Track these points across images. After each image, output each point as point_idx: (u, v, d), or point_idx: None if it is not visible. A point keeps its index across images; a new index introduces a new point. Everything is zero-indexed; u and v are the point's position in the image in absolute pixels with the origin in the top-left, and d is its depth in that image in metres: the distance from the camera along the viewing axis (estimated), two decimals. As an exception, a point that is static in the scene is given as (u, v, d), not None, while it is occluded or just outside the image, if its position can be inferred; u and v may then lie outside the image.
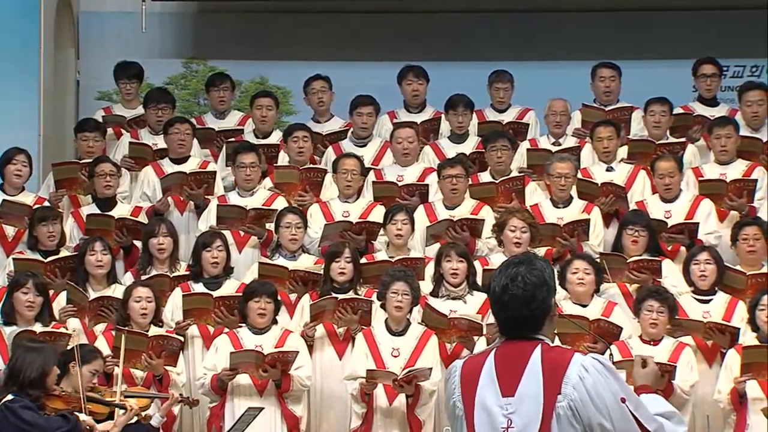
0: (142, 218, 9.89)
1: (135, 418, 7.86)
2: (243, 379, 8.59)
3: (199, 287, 9.20)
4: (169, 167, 10.30)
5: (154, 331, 8.75)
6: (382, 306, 8.78)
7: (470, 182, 10.00)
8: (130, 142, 10.69)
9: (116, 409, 7.69)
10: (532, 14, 12.23)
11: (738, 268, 9.24)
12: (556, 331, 8.25)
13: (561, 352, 4.42)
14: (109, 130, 10.93)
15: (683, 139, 10.54)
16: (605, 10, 12.20)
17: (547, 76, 11.67)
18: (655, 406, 4.47)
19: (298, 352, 8.57)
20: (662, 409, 4.47)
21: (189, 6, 12.51)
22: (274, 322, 8.78)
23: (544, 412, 4.28)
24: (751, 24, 11.98)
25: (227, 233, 9.55)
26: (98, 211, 9.89)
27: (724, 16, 12.07)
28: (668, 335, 8.68)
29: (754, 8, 11.87)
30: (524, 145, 10.53)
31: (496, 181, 10.02)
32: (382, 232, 9.61)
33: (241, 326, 8.83)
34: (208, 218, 9.84)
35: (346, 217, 9.79)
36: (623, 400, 4.30)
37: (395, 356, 8.62)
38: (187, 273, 9.33)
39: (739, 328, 8.69)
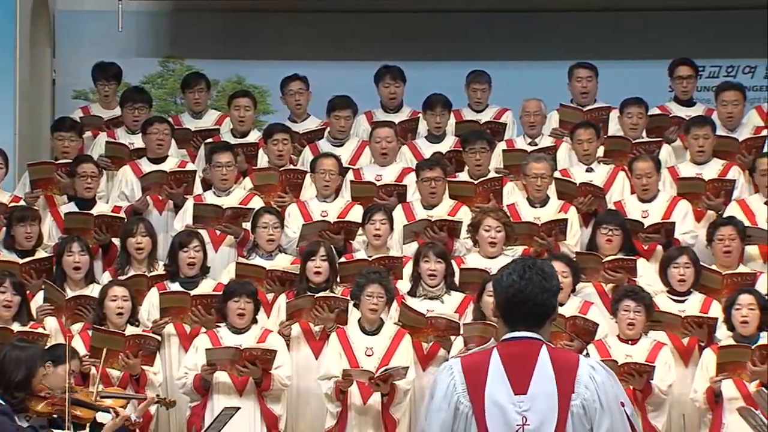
0: (122, 215, 9.86)
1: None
2: (223, 377, 8.58)
3: (175, 287, 9.19)
4: (147, 167, 10.27)
5: (130, 330, 8.74)
6: (356, 306, 8.79)
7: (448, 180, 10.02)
8: (107, 142, 10.66)
9: (102, 412, 7.66)
10: (509, 14, 12.25)
11: (714, 267, 9.27)
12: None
13: (566, 352, 4.62)
14: (87, 131, 10.91)
15: (659, 139, 10.58)
16: (582, 11, 12.23)
17: (526, 76, 11.70)
18: None
19: (276, 351, 8.56)
20: None
21: (165, 5, 12.49)
22: (254, 321, 8.78)
23: (560, 410, 4.35)
24: (727, 24, 12.05)
25: (204, 232, 9.54)
26: (77, 210, 9.86)
27: (700, 16, 12.12)
28: (644, 331, 8.72)
29: (729, 9, 11.94)
30: (501, 146, 10.55)
31: (475, 182, 10.04)
32: (360, 231, 9.62)
33: (219, 326, 8.82)
34: (184, 217, 9.83)
35: (324, 216, 9.79)
36: (622, 404, 4.42)
37: (369, 355, 8.64)
38: (164, 273, 9.30)
39: (717, 319, 8.74)
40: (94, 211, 9.82)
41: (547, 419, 4.34)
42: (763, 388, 7.98)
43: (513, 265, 4.49)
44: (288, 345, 8.88)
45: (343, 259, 9.43)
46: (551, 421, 4.34)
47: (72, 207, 9.92)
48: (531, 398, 4.36)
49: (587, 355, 8.20)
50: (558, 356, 4.41)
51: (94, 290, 9.08)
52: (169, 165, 10.29)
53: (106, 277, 9.36)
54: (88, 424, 7.54)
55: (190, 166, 10.33)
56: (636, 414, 4.49)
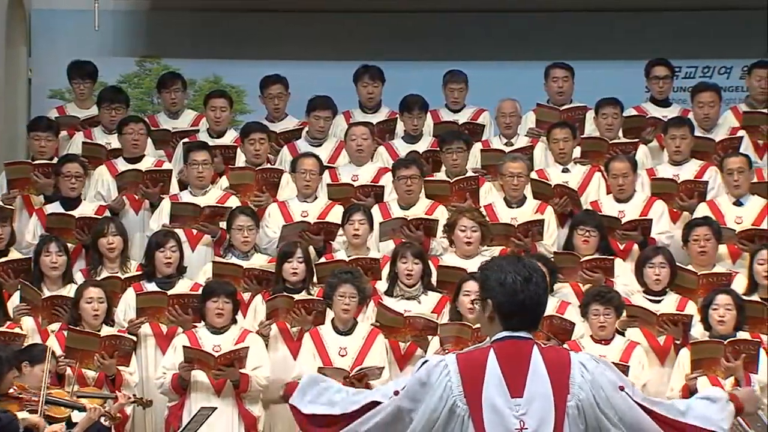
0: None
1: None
2: (201, 377, 8.56)
3: (152, 287, 9.16)
4: (123, 167, 10.25)
5: (106, 331, 8.71)
6: (329, 306, 8.78)
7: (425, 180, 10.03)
8: (84, 142, 10.63)
9: (78, 411, 7.64)
10: (485, 14, 12.27)
11: (689, 268, 9.31)
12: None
13: (557, 350, 4.51)
14: (63, 131, 10.87)
15: (636, 140, 10.61)
16: (558, 11, 12.26)
17: (502, 76, 11.72)
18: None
19: (248, 347, 8.54)
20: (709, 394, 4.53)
21: (142, 4, 12.46)
22: (233, 321, 8.76)
23: (557, 412, 4.33)
24: (703, 25, 12.09)
25: (180, 231, 9.53)
26: (61, 210, 9.82)
27: (676, 17, 12.16)
28: (622, 328, 8.74)
29: (705, 9, 12.00)
30: (478, 146, 10.56)
31: (451, 181, 10.05)
32: (340, 232, 9.61)
33: (197, 326, 8.81)
34: (161, 217, 9.81)
35: (304, 217, 9.78)
36: (621, 389, 4.37)
37: (342, 355, 8.64)
38: (140, 273, 9.28)
39: (691, 316, 8.76)
40: (78, 211, 9.79)
41: (544, 422, 4.31)
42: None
43: (512, 267, 4.42)
44: (266, 345, 8.87)
45: (322, 260, 9.42)
46: (548, 424, 4.31)
47: (57, 207, 9.89)
48: (527, 401, 4.33)
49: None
50: (550, 356, 4.38)
51: (71, 290, 9.05)
52: (146, 164, 10.27)
53: (80, 278, 9.34)
54: (64, 423, 7.53)
55: (166, 165, 10.32)
56: (640, 393, 4.42)
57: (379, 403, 4.46)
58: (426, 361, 4.45)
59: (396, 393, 4.42)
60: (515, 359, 4.36)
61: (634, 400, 4.37)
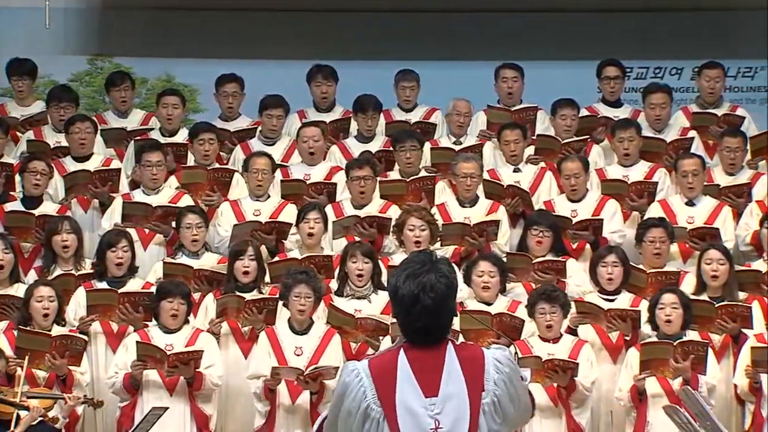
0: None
1: (39, 419, 7.77)
2: (153, 377, 8.54)
3: (102, 286, 9.11)
4: (71, 165, 10.22)
5: (57, 330, 8.66)
6: (285, 305, 8.77)
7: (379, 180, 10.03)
8: (28, 140, 10.58)
9: (20, 410, 7.60)
10: (438, 14, 12.29)
11: (639, 266, 9.36)
12: (459, 328, 8.42)
13: (471, 348, 4.50)
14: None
15: (587, 137, 10.65)
16: (509, 11, 12.29)
17: (453, 76, 11.74)
18: None
19: (202, 350, 8.53)
20: None
21: (94, 2, 12.40)
22: (186, 322, 8.74)
23: (472, 409, 4.34)
24: (655, 26, 12.17)
25: (132, 231, 9.49)
26: (21, 209, 9.77)
27: (628, 18, 12.23)
28: (574, 325, 8.79)
29: (657, 11, 12.07)
30: (428, 145, 10.57)
31: (407, 180, 10.06)
32: (293, 231, 9.60)
33: (148, 325, 8.78)
34: (113, 216, 9.78)
35: (256, 216, 9.77)
36: (523, 379, 4.49)
37: (298, 355, 8.63)
38: (92, 272, 9.24)
39: (639, 311, 8.82)
40: (40, 210, 9.73)
41: (459, 420, 4.33)
42: (688, 387, 8.07)
43: (406, 284, 4.36)
44: (218, 343, 8.86)
45: (276, 259, 9.41)
46: (464, 422, 4.33)
47: (18, 205, 9.83)
48: (442, 401, 4.34)
49: (516, 353, 8.33)
50: (464, 354, 4.40)
51: (19, 290, 8.99)
52: (94, 163, 10.24)
53: (32, 276, 9.28)
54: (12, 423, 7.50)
55: (115, 164, 10.28)
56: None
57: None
58: (341, 376, 4.48)
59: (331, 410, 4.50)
60: (427, 360, 4.37)
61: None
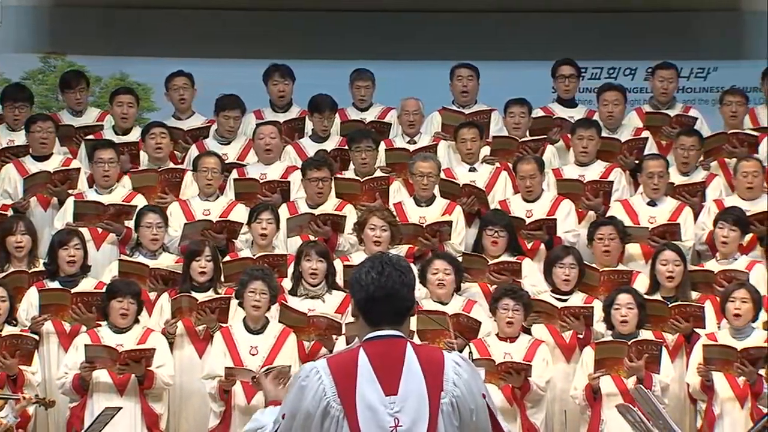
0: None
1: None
2: (103, 377, 8.50)
3: (55, 285, 9.07)
4: (31, 165, 10.17)
5: (7, 330, 8.61)
6: (240, 305, 8.75)
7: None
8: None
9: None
10: (394, 14, 12.29)
11: (593, 265, 9.40)
12: (416, 329, 8.41)
13: (431, 349, 4.54)
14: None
15: (544, 137, 10.69)
16: (464, 11, 12.31)
17: (408, 76, 11.74)
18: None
19: (154, 349, 8.49)
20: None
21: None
22: (136, 321, 8.71)
23: (431, 409, 4.35)
24: (609, 27, 12.22)
25: (85, 230, 9.44)
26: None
27: (582, 18, 12.27)
28: (527, 325, 8.82)
29: (611, 11, 12.14)
30: (382, 145, 10.57)
31: (361, 180, 10.05)
32: (244, 230, 9.57)
33: (100, 324, 8.73)
34: (65, 216, 9.73)
35: (206, 215, 9.74)
36: (484, 396, 4.45)
37: (253, 354, 8.61)
38: (44, 271, 9.19)
39: (592, 308, 8.87)
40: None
41: (418, 419, 4.34)
42: (641, 385, 8.11)
43: (369, 263, 4.47)
44: (172, 344, 8.82)
45: (227, 258, 9.38)
46: (423, 421, 4.34)
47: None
48: (402, 399, 4.35)
49: (471, 353, 8.35)
50: (424, 354, 4.41)
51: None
52: (54, 163, 10.18)
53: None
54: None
55: (74, 164, 10.23)
56: (494, 405, 4.53)
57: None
58: (296, 379, 4.46)
59: (283, 416, 4.44)
60: (388, 357, 4.38)
61: (490, 410, 4.46)
